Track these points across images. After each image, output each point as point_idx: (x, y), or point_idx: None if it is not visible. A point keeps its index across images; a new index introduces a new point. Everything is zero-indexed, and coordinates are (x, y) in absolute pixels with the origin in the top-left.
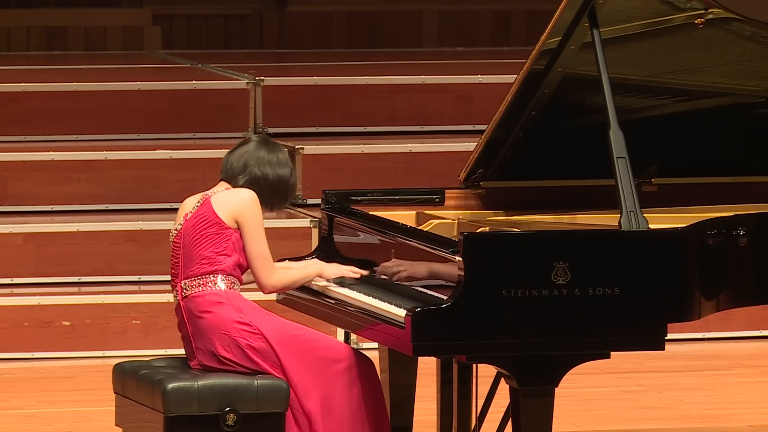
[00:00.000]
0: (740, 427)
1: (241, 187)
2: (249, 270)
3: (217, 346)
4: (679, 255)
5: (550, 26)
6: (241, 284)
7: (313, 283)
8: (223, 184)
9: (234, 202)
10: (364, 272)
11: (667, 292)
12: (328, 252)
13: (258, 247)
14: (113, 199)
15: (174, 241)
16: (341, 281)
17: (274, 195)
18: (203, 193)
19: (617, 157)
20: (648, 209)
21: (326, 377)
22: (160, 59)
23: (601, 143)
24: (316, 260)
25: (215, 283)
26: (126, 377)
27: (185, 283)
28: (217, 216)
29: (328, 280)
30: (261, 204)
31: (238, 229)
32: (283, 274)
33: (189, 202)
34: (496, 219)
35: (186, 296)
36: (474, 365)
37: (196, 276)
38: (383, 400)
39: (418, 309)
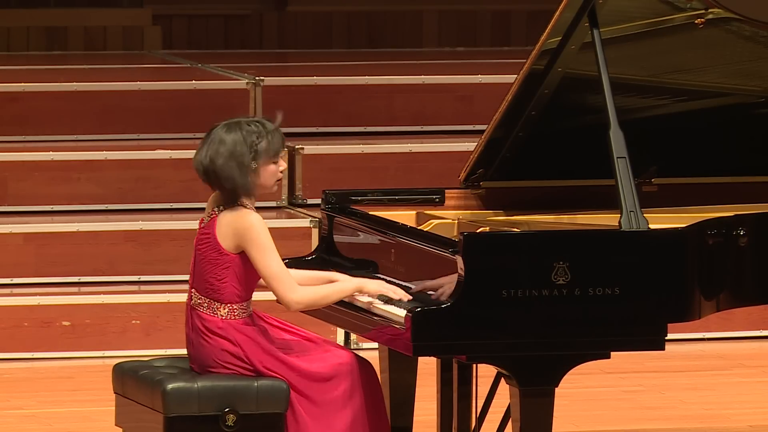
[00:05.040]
0: (740, 427)
1: (217, 182)
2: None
3: (210, 369)
4: (679, 255)
5: (550, 26)
6: (248, 301)
7: (356, 297)
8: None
9: (233, 230)
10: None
11: (667, 292)
12: (328, 252)
13: (268, 268)
14: (113, 199)
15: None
16: (386, 299)
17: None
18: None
19: (617, 157)
20: (648, 209)
21: (324, 388)
22: (160, 59)
23: (601, 143)
24: (350, 278)
25: (217, 310)
26: (126, 377)
27: (194, 293)
28: (218, 241)
29: (371, 296)
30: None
31: (240, 252)
32: (308, 290)
33: (209, 204)
34: (496, 219)
35: (193, 306)
36: (474, 365)
37: (202, 295)
38: (383, 402)
39: (418, 309)
